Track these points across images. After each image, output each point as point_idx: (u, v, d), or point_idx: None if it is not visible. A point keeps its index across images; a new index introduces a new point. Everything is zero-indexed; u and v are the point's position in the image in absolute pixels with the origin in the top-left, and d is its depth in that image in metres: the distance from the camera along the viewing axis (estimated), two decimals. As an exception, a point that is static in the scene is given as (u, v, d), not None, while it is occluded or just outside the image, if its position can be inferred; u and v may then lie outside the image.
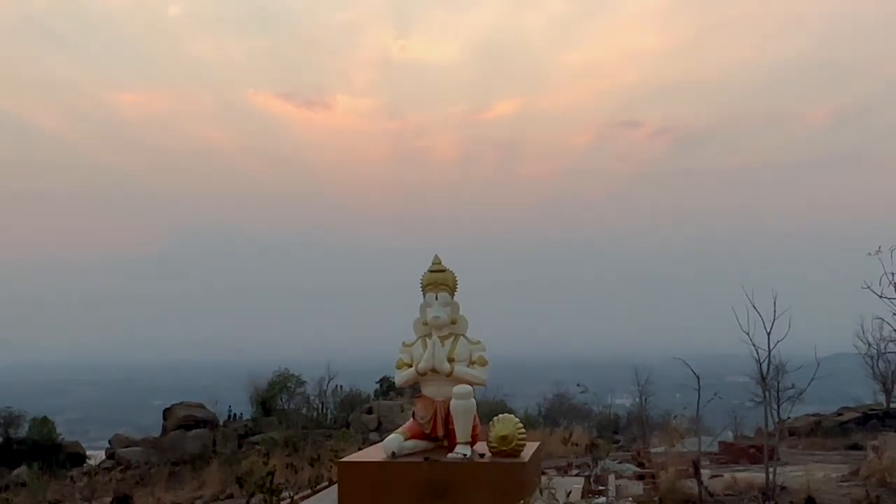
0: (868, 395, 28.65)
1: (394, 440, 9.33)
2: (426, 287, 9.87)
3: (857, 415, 24.26)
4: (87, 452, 27.03)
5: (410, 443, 9.39)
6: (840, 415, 24.76)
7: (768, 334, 9.41)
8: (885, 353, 25.60)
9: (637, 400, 33.06)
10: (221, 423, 27.16)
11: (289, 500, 9.94)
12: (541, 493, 8.44)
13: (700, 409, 10.45)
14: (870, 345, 26.24)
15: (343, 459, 9.81)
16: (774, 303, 9.28)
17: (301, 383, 28.98)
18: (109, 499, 14.57)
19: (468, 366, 9.55)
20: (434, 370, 9.43)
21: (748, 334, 9.43)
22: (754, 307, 9.29)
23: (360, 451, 11.22)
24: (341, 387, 29.54)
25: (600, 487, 11.01)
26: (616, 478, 12.21)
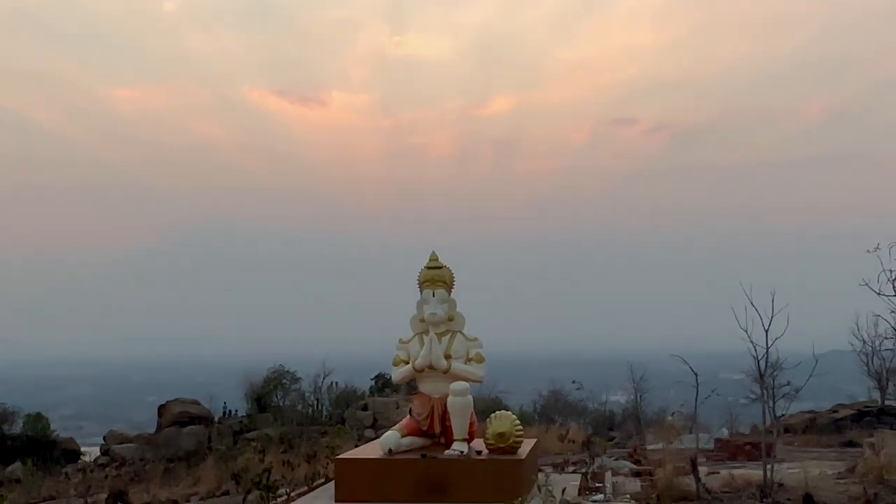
0: (862, 392, 28.71)
1: (391, 437, 9.30)
2: (423, 284, 9.84)
3: (851, 412, 24.30)
4: (82, 449, 26.95)
5: (407, 439, 9.37)
6: (835, 412, 24.79)
7: (766, 332, 9.40)
8: (879, 350, 25.66)
9: (632, 397, 33.17)
10: (216, 419, 27.08)
11: (285, 497, 9.90)
12: (539, 489, 8.43)
13: (697, 406, 10.46)
14: (864, 342, 26.29)
15: (340, 456, 9.78)
16: (772, 300, 9.27)
17: (296, 380, 28.90)
18: (104, 495, 14.50)
19: (465, 363, 9.53)
20: (431, 367, 9.40)
21: (746, 332, 9.43)
22: (752, 304, 9.28)
23: (356, 448, 11.19)
24: (336, 383, 29.47)
25: (597, 484, 10.99)
26: (613, 475, 12.20)
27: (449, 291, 9.87)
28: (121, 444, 25.22)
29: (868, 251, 9.92)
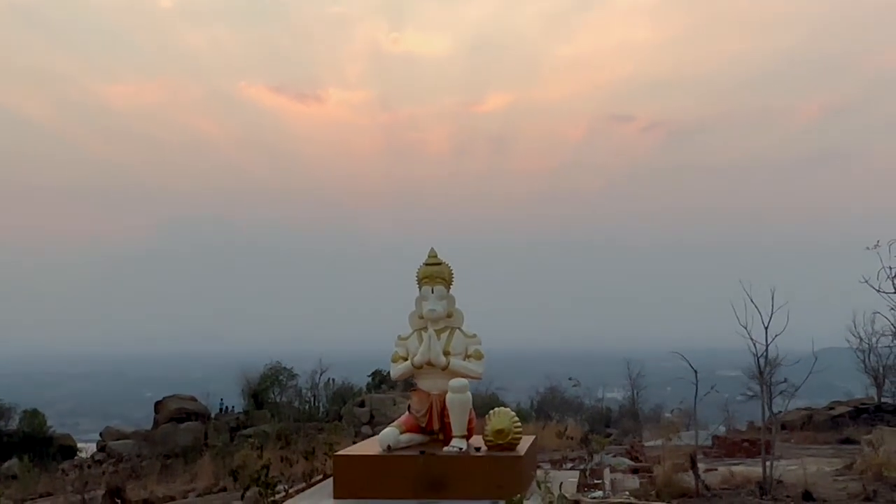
0: (858, 389, 28.76)
1: (389, 434, 9.27)
2: (422, 280, 9.80)
3: (848, 409, 24.33)
4: (78, 445, 26.94)
5: (406, 436, 9.33)
6: (832, 409, 24.83)
7: (766, 329, 9.39)
8: (876, 347, 25.71)
9: (629, 394, 33.24)
10: (213, 415, 27.07)
11: (284, 494, 9.88)
12: (538, 486, 8.41)
13: (695, 402, 10.45)
14: (861, 339, 26.35)
15: (339, 453, 9.74)
16: (772, 297, 9.26)
17: (293, 376, 28.91)
18: (101, 492, 14.47)
19: (464, 359, 9.50)
20: (430, 363, 9.36)
21: (746, 328, 9.41)
22: (752, 301, 9.27)
23: (355, 445, 11.15)
24: (333, 380, 29.48)
25: (596, 481, 10.98)
26: (611, 471, 12.19)
27: (448, 288, 9.82)
28: (117, 440, 25.18)
29: (868, 248, 9.92)
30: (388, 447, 9.10)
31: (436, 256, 9.88)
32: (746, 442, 16.08)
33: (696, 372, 9.91)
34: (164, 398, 27.00)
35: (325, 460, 11.55)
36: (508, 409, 9.54)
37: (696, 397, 10.13)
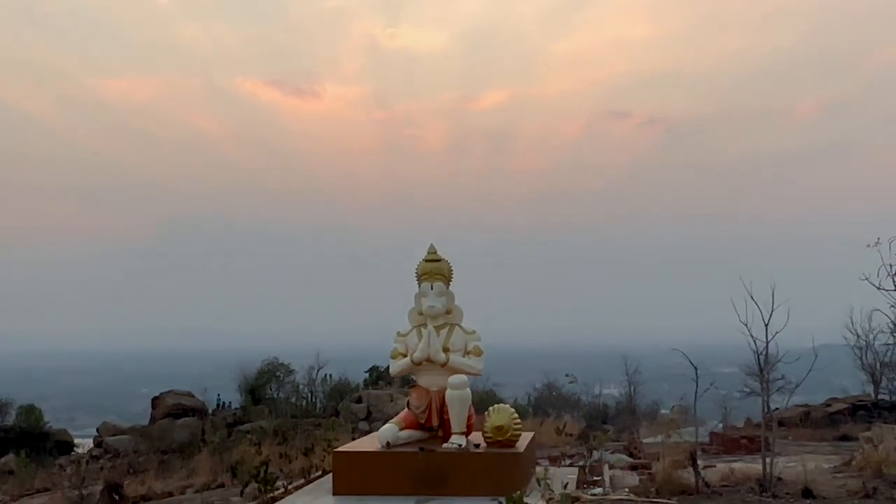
0: (855, 385, 28.77)
1: (388, 430, 9.26)
2: (421, 276, 9.79)
3: (846, 406, 24.33)
4: (75, 440, 26.90)
5: (405, 433, 9.33)
6: (829, 406, 24.83)
7: (766, 325, 9.38)
8: (873, 344, 25.73)
9: (626, 390, 33.22)
10: (210, 411, 27.04)
11: (282, 490, 9.86)
12: (538, 483, 8.40)
13: (695, 399, 10.44)
14: (858, 336, 26.36)
15: (338, 449, 9.74)
16: (773, 294, 9.25)
17: (290, 372, 28.90)
18: (99, 487, 14.43)
19: (463, 355, 9.50)
20: (429, 360, 9.36)
21: (746, 325, 9.40)
22: (752, 298, 9.26)
23: (354, 441, 11.14)
24: (330, 376, 29.46)
25: (595, 478, 10.97)
26: (610, 468, 12.18)
27: (447, 284, 9.82)
28: (114, 435, 25.14)
29: (868, 246, 9.91)
30: (388, 443, 9.10)
31: (435, 253, 9.87)
32: (745, 438, 16.10)
33: (696, 369, 9.90)
34: (160, 394, 26.95)
35: (324, 456, 11.53)
36: (508, 405, 9.54)
37: (696, 394, 10.11)
